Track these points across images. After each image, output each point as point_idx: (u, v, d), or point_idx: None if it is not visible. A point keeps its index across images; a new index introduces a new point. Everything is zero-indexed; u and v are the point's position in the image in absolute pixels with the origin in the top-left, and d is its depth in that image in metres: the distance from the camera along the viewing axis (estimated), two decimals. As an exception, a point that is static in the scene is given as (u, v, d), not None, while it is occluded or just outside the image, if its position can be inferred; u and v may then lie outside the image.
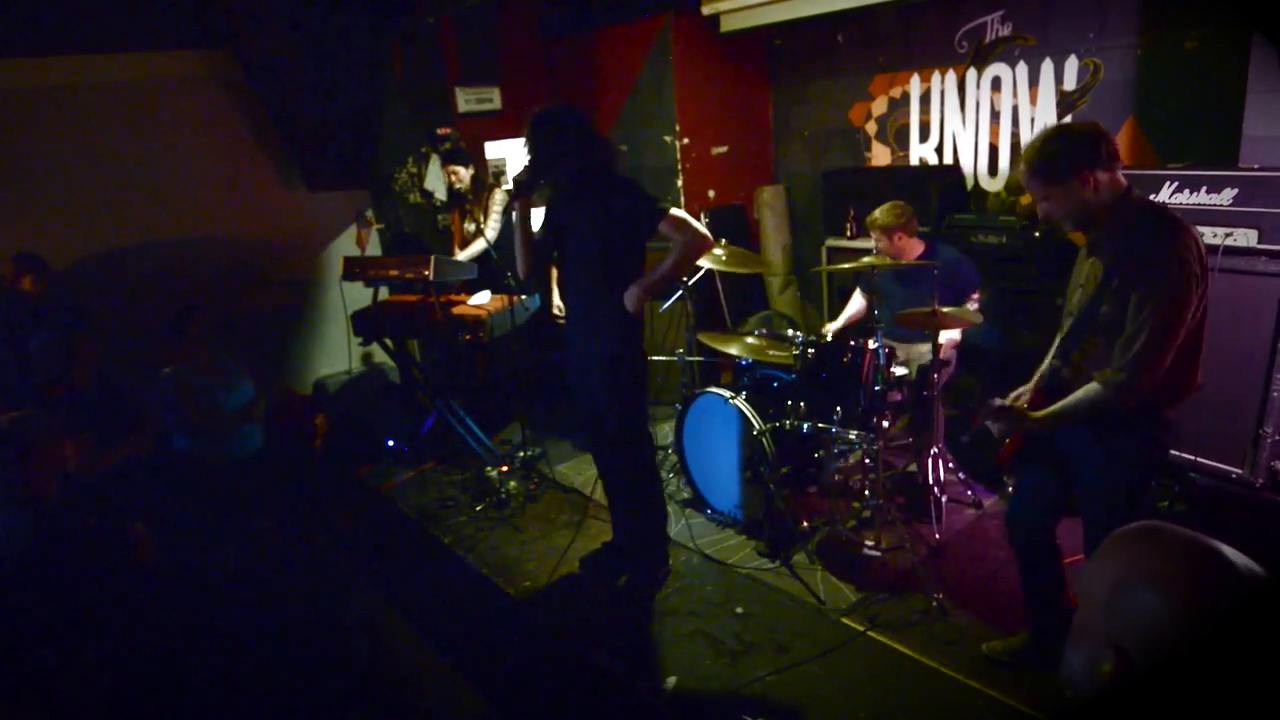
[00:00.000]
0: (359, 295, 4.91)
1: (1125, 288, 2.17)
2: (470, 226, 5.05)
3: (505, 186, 5.16)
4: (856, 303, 4.35)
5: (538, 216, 3.31)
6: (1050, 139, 2.22)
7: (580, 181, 3.10)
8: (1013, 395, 2.59)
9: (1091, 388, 2.23)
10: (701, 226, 3.11)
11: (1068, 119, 4.39)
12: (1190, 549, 0.93)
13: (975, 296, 3.98)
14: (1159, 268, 2.12)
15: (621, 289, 3.09)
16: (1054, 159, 2.19)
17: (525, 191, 3.14)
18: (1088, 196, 2.19)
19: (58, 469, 2.88)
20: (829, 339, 4.18)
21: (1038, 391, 2.51)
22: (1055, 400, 2.36)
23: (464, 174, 4.98)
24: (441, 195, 5.52)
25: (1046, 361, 2.57)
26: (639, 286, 3.08)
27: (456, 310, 4.67)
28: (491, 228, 4.89)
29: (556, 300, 4.68)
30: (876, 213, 3.94)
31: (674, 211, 3.05)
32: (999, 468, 2.54)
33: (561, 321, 4.71)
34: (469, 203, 5.03)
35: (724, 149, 5.79)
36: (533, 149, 3.07)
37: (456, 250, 5.14)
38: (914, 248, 3.98)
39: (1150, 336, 2.12)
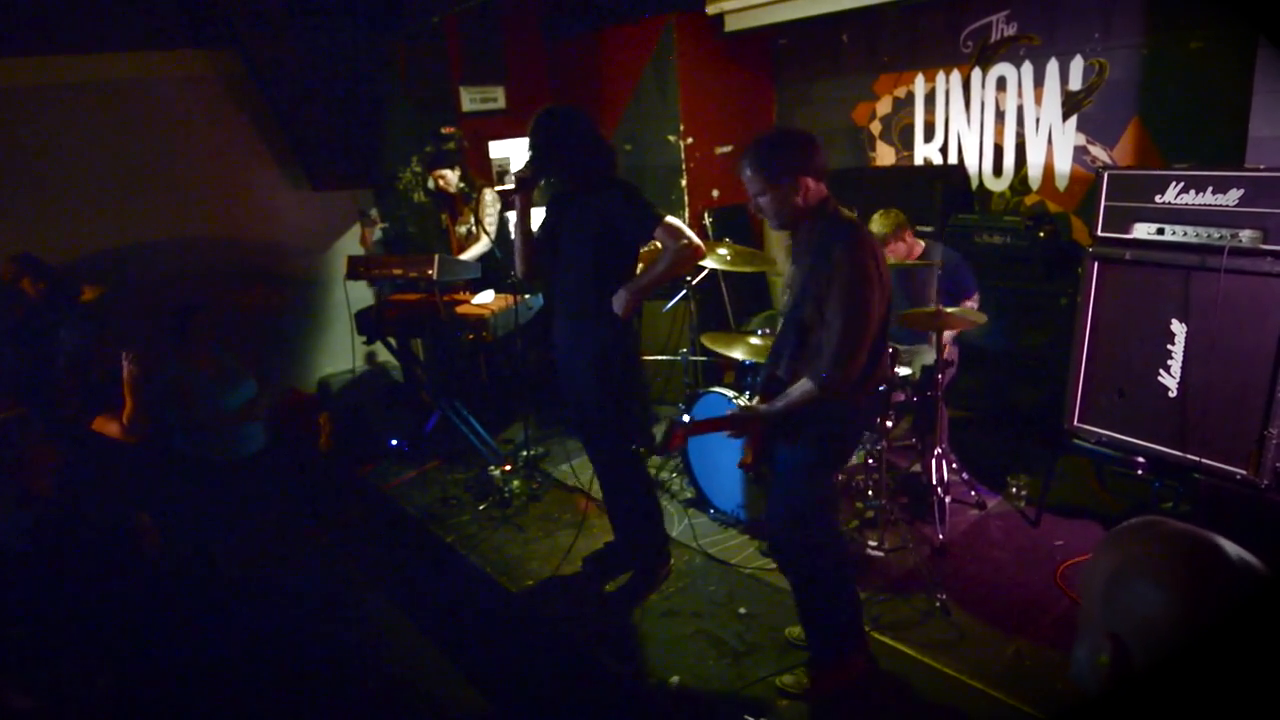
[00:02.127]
0: (363, 294, 4.92)
1: (819, 292, 2.37)
2: (462, 229, 5.02)
3: (498, 186, 5.15)
4: None
5: (538, 216, 3.31)
6: (776, 140, 2.40)
7: (580, 182, 3.10)
8: (743, 402, 2.74)
9: (803, 383, 2.42)
10: (695, 236, 3.10)
11: (1073, 119, 4.38)
12: (1185, 539, 0.95)
13: (969, 304, 3.94)
14: (844, 274, 2.32)
15: (611, 292, 3.09)
16: (778, 159, 2.36)
17: (527, 187, 3.15)
18: (797, 200, 2.38)
19: (52, 467, 2.89)
20: None
21: (762, 396, 2.65)
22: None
23: (451, 177, 4.88)
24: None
25: (765, 366, 2.71)
26: (627, 290, 3.07)
27: (460, 309, 4.67)
28: (490, 225, 4.87)
29: None
30: (873, 228, 3.92)
31: (668, 219, 3.05)
32: (747, 470, 2.72)
33: None
34: (461, 204, 5.00)
35: (728, 148, 5.78)
36: (537, 145, 3.07)
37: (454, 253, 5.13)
38: (918, 246, 3.98)
39: (843, 336, 2.33)
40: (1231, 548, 0.93)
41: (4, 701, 2.23)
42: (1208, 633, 0.89)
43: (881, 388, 2.54)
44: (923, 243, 4.02)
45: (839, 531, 2.76)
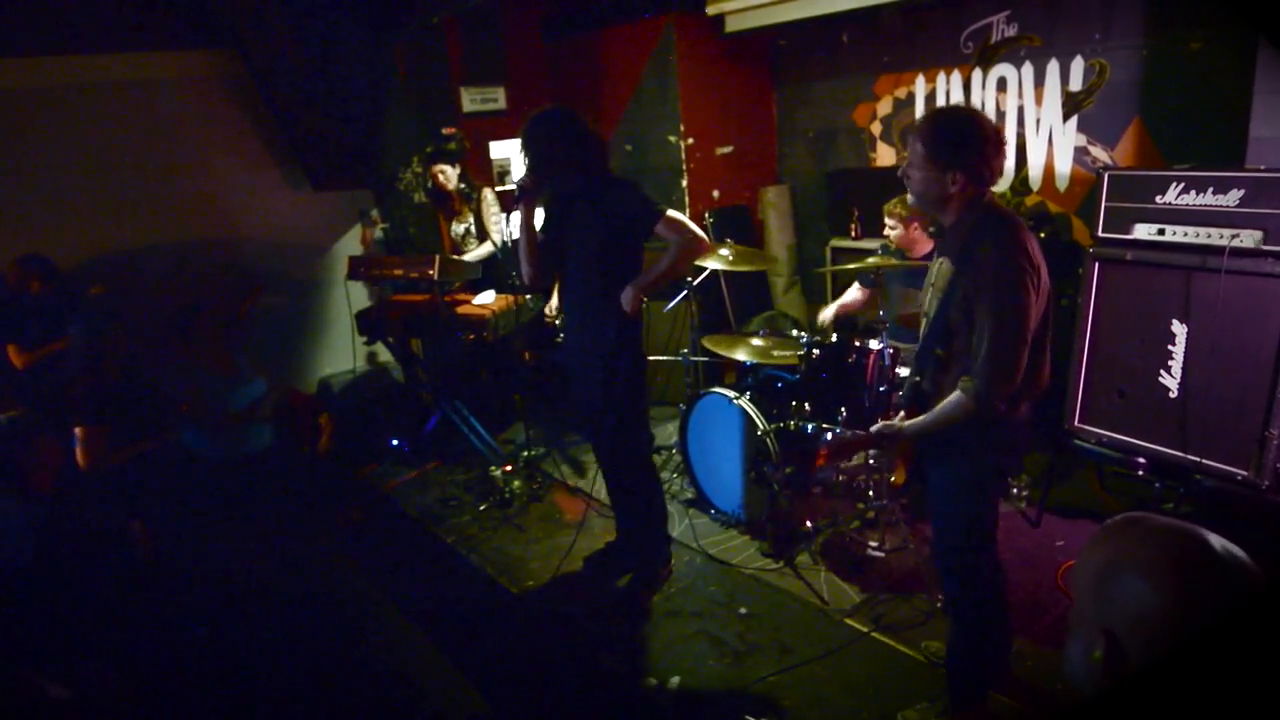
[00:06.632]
0: (363, 295, 4.92)
1: (970, 291, 2.16)
2: (459, 228, 5.01)
3: (499, 188, 5.15)
4: (853, 293, 4.33)
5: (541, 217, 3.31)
6: (952, 120, 2.18)
7: (578, 181, 3.10)
8: (897, 419, 2.51)
9: (955, 396, 2.20)
10: (698, 229, 3.10)
11: (1073, 120, 4.38)
12: (1171, 533, 0.97)
13: None
14: (998, 272, 2.11)
15: (619, 289, 3.09)
16: (941, 140, 2.14)
17: (530, 196, 3.14)
18: (947, 189, 2.16)
19: (54, 467, 2.89)
20: (825, 323, 4.18)
21: (907, 411, 2.46)
22: (921, 414, 2.34)
23: (451, 174, 4.88)
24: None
25: (909, 377, 2.50)
26: (634, 286, 3.07)
27: (460, 310, 4.68)
28: (496, 231, 4.86)
29: (554, 301, 4.67)
30: (894, 201, 3.93)
31: (671, 213, 3.05)
32: (900, 490, 2.49)
33: (551, 321, 4.70)
34: (460, 203, 4.99)
35: (729, 149, 5.79)
36: (530, 153, 3.07)
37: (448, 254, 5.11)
38: (924, 244, 3.98)
39: (997, 341, 2.10)
40: (1217, 540, 0.95)
41: (42, 692, 2.23)
42: (1198, 625, 0.90)
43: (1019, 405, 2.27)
44: (931, 242, 4.01)
45: (998, 560, 2.50)
